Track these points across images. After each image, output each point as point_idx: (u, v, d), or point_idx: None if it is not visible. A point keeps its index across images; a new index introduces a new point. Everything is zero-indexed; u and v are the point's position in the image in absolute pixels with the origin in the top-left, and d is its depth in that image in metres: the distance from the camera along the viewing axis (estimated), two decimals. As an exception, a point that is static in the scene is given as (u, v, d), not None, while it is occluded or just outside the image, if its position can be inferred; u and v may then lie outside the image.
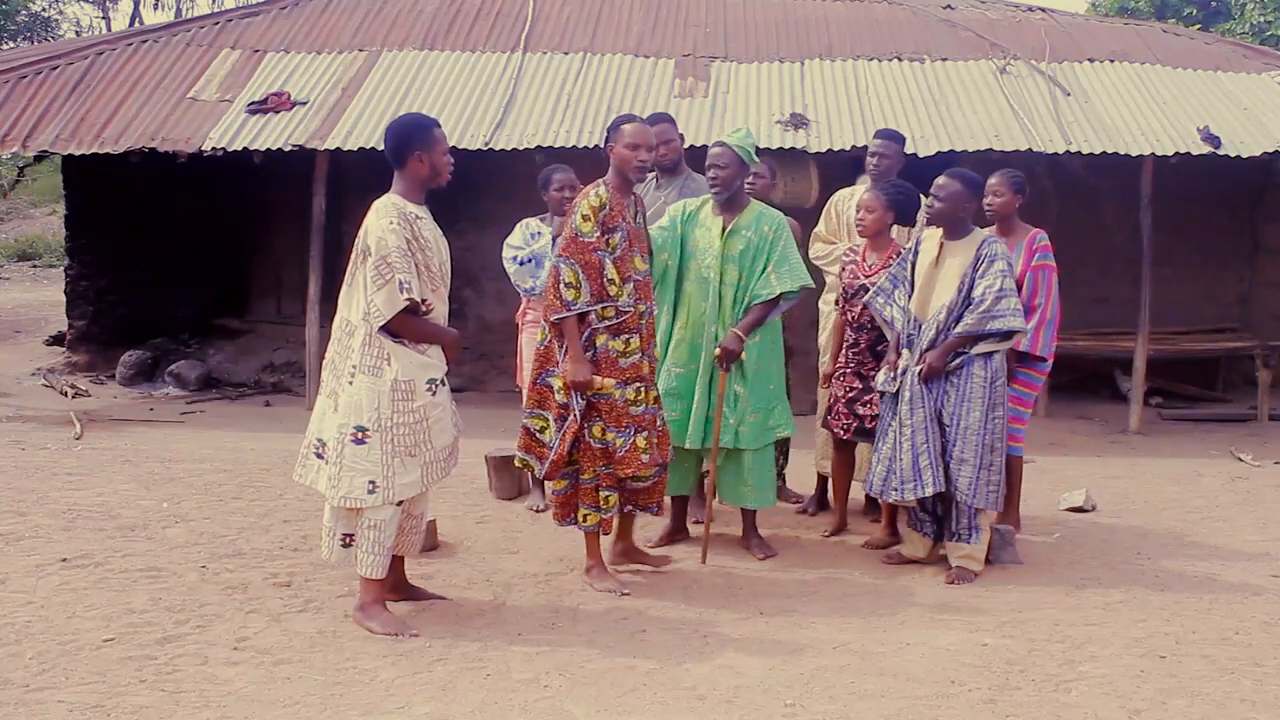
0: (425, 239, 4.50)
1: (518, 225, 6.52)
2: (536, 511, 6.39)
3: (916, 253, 5.58)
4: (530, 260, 6.37)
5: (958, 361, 5.34)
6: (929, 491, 5.31)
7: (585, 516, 5.13)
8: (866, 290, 5.75)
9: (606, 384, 4.97)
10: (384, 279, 4.37)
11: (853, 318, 5.87)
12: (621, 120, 5.17)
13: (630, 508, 5.28)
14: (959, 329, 5.33)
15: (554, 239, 6.42)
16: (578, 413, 4.98)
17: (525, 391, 6.52)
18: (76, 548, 5.43)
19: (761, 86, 10.33)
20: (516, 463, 5.36)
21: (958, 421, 5.32)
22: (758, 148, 5.92)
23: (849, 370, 5.89)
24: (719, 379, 5.50)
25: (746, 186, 5.92)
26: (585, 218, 5.00)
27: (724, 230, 5.54)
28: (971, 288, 5.33)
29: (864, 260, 5.89)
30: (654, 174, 6.20)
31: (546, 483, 5.26)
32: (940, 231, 5.48)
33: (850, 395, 5.86)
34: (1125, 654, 4.43)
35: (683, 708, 3.88)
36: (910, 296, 5.52)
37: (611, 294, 5.00)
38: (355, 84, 10.24)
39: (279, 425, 8.96)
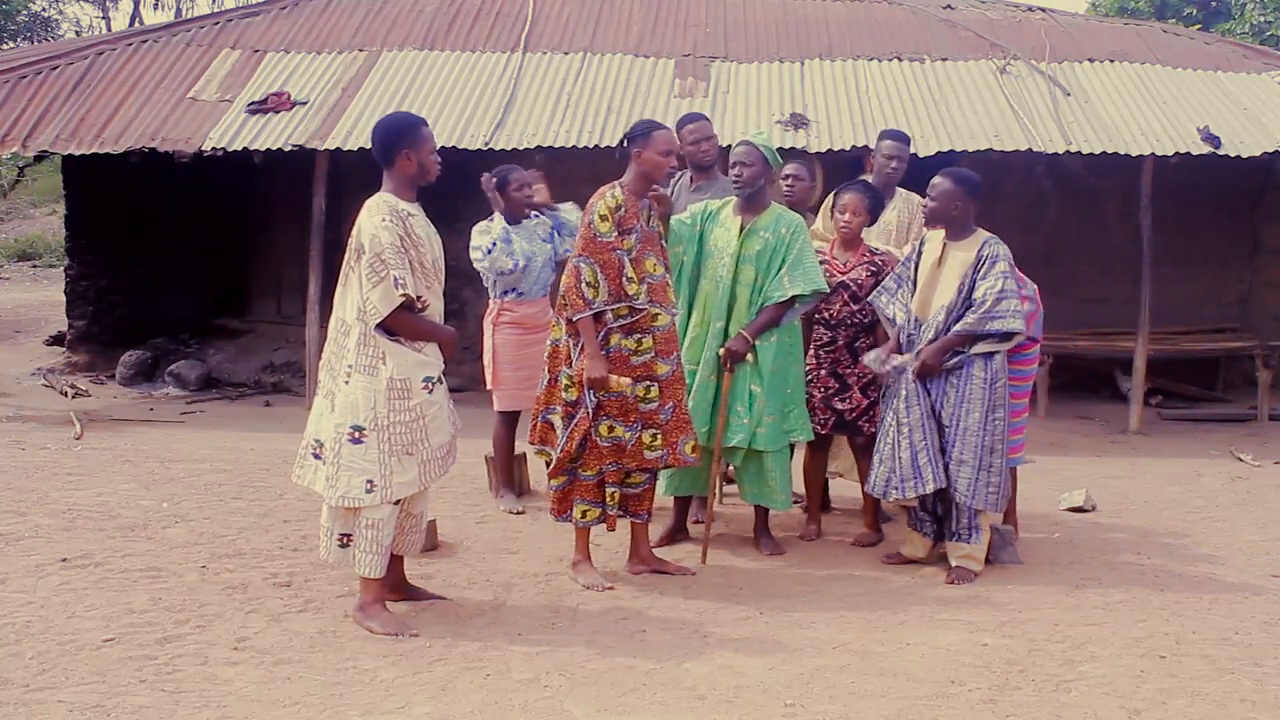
0: (418, 236, 4.51)
1: (474, 231, 6.53)
2: (513, 514, 6.38)
3: (920, 253, 5.58)
4: (494, 245, 6.35)
5: (956, 361, 5.34)
6: (930, 488, 5.30)
7: (584, 513, 5.15)
8: (845, 287, 5.80)
9: (623, 383, 4.99)
10: (379, 276, 4.37)
11: (831, 314, 5.88)
12: (650, 126, 5.19)
13: (620, 512, 5.26)
14: (958, 328, 5.32)
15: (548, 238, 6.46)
16: (589, 409, 5.00)
17: (498, 390, 6.57)
18: (76, 548, 5.43)
19: (761, 86, 10.32)
20: (535, 454, 5.41)
21: (957, 422, 5.32)
22: (781, 149, 5.93)
23: (823, 371, 5.90)
24: (725, 377, 5.51)
25: (785, 189, 5.92)
26: (603, 218, 5.04)
27: (742, 230, 5.55)
28: (972, 289, 5.33)
29: (834, 258, 5.91)
30: (687, 173, 6.20)
31: (550, 480, 5.28)
32: (943, 232, 5.48)
33: (827, 394, 5.88)
34: (1125, 654, 4.43)
35: (683, 708, 3.88)
36: (912, 296, 5.52)
37: (630, 293, 5.04)
38: (355, 84, 10.23)
39: (279, 425, 8.96)
